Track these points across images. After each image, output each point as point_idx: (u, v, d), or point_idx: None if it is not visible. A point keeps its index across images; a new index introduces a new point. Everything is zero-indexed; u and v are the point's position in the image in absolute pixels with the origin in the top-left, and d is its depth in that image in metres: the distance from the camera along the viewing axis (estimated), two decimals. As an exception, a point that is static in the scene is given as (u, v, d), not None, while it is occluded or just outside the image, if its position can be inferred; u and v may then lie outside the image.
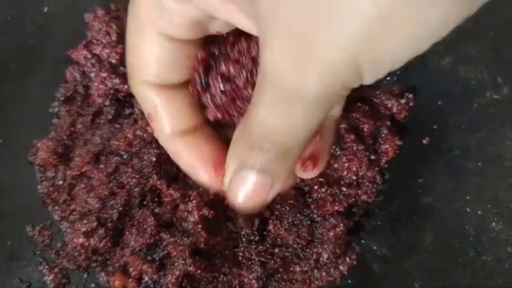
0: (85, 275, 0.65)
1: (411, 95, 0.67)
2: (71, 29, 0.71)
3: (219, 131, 0.63)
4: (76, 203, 0.66)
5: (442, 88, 0.65)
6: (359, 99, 0.68)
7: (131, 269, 0.63)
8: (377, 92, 0.68)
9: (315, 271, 0.65)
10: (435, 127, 0.65)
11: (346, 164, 0.64)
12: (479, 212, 0.59)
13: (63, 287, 0.64)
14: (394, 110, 0.67)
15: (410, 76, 0.67)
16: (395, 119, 0.68)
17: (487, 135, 0.61)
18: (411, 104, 0.67)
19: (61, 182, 0.67)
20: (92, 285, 0.65)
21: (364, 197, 0.65)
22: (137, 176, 0.65)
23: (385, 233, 0.65)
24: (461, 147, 0.62)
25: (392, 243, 0.64)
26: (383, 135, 0.66)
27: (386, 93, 0.67)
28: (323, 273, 0.65)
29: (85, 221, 0.64)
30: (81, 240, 0.64)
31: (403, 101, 0.67)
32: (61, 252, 0.65)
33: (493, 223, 0.58)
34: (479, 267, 0.58)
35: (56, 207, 0.67)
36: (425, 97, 0.66)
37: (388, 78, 0.69)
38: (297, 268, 0.65)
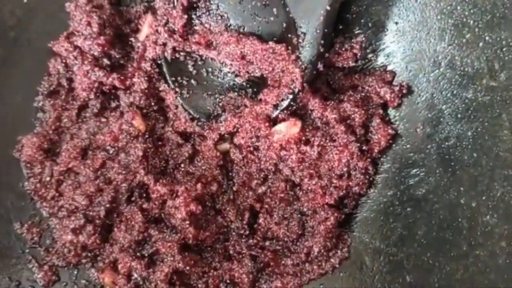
0: (75, 272, 0.65)
1: (404, 82, 0.64)
2: (53, 20, 0.68)
3: None
4: (64, 200, 0.66)
5: (437, 74, 0.62)
6: (350, 87, 0.66)
7: (120, 266, 0.63)
8: (369, 79, 0.65)
9: (306, 264, 0.64)
10: (429, 115, 0.63)
11: (337, 156, 0.63)
12: (473, 205, 0.58)
13: (53, 284, 0.64)
14: (387, 98, 0.64)
15: (404, 62, 0.64)
16: (388, 107, 0.65)
17: (483, 124, 0.59)
18: (404, 91, 0.64)
19: (48, 179, 0.66)
20: (83, 281, 0.65)
21: (356, 188, 0.64)
22: (124, 172, 0.65)
23: (378, 225, 0.64)
24: (456, 137, 0.60)
25: (384, 236, 0.63)
26: (375, 124, 0.64)
27: (378, 80, 0.65)
28: (315, 267, 0.64)
29: (73, 218, 0.64)
30: (69, 237, 0.63)
31: (396, 88, 0.64)
32: (51, 249, 0.65)
33: (487, 216, 0.57)
34: (472, 262, 0.56)
35: (44, 204, 0.66)
36: (420, 84, 0.64)
37: (381, 64, 0.66)
38: (288, 262, 0.64)
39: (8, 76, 0.67)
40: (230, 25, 0.65)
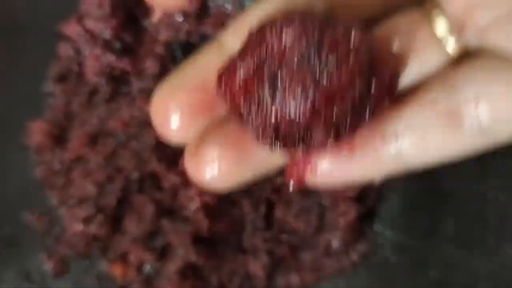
0: (86, 262, 0.64)
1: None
2: (63, 2, 0.66)
3: None
4: (74, 188, 0.64)
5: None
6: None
7: (131, 257, 0.61)
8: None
9: (325, 259, 0.62)
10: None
11: (358, 146, 0.60)
12: (502, 199, 0.56)
13: (63, 275, 0.63)
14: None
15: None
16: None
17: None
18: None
19: (58, 166, 0.65)
20: (93, 272, 0.63)
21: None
22: (135, 160, 0.63)
23: (401, 219, 0.62)
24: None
25: (408, 230, 0.61)
26: (399, 113, 0.62)
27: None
28: (333, 262, 0.62)
29: (83, 207, 0.62)
30: (80, 226, 0.62)
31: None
32: (61, 239, 0.64)
33: (518, 211, 0.55)
34: (500, 259, 0.55)
35: (54, 192, 0.65)
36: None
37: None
38: (306, 256, 0.62)
39: (17, 61, 0.66)
40: (246, 6, 0.63)
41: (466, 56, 0.32)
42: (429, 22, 0.32)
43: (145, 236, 0.61)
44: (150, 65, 0.64)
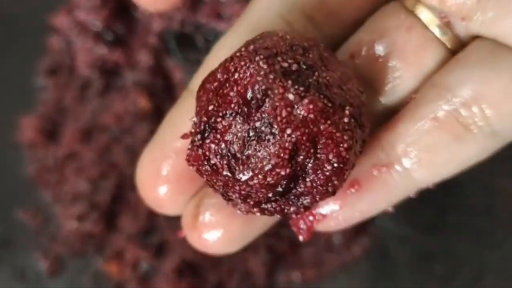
0: (81, 261, 0.62)
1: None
2: (53, -7, 0.65)
3: None
4: (68, 185, 0.63)
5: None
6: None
7: (127, 255, 0.60)
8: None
9: (326, 254, 0.61)
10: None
11: (359, 137, 0.59)
12: (510, 189, 0.54)
13: (59, 274, 0.62)
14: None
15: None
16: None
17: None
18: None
19: (51, 163, 0.63)
20: (89, 270, 0.62)
21: (380, 172, 0.60)
22: (129, 155, 0.61)
23: (404, 211, 0.59)
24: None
25: (411, 223, 0.59)
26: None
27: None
28: (334, 256, 0.61)
29: (77, 205, 0.61)
30: (74, 224, 0.61)
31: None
32: (55, 237, 0.62)
33: (525, 201, 0.53)
34: (508, 251, 0.53)
35: (48, 189, 0.63)
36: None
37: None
38: (307, 252, 0.61)
39: (5, 55, 0.64)
40: (240, -5, 0.61)
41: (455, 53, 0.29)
42: (416, 19, 0.29)
43: (141, 233, 0.60)
44: (144, 57, 0.63)
